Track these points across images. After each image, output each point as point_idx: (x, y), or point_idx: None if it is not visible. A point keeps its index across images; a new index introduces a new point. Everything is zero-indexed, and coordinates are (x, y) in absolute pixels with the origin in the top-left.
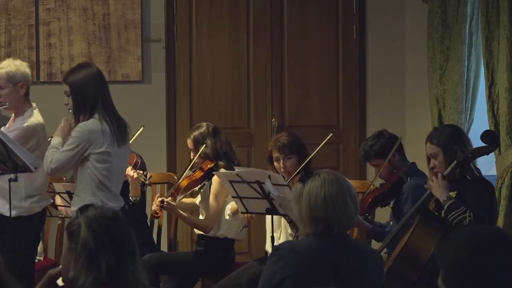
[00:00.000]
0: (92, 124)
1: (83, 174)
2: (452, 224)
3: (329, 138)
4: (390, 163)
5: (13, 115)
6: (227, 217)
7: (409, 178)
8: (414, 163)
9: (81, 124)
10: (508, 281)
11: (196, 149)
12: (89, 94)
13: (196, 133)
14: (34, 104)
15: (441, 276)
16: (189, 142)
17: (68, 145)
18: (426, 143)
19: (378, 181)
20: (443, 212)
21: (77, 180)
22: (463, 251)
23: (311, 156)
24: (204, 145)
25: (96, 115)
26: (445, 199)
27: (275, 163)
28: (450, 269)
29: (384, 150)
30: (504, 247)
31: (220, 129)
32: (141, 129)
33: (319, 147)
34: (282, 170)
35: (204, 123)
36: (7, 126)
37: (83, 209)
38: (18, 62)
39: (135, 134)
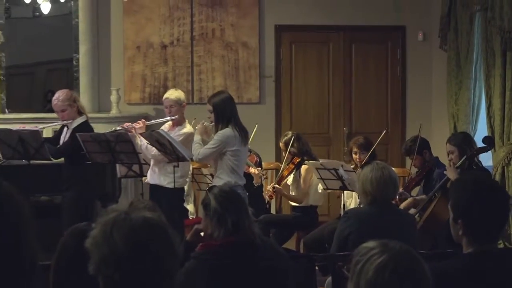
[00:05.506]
0: (228, 131)
1: (222, 163)
2: None
3: (382, 138)
4: (423, 157)
5: (168, 125)
6: (319, 191)
7: (436, 168)
8: (437, 157)
9: (221, 132)
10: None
11: (286, 150)
12: (225, 111)
13: (286, 138)
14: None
15: (450, 204)
16: (282, 145)
17: (212, 144)
18: (446, 144)
19: (413, 169)
20: None
21: (217, 168)
22: (464, 190)
23: (373, 149)
24: (293, 146)
25: (230, 125)
26: None
27: (353, 155)
28: (456, 200)
29: (419, 149)
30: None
31: (301, 135)
32: (256, 127)
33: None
34: (357, 160)
35: (290, 131)
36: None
37: (210, 189)
38: (179, 90)
39: (253, 132)
